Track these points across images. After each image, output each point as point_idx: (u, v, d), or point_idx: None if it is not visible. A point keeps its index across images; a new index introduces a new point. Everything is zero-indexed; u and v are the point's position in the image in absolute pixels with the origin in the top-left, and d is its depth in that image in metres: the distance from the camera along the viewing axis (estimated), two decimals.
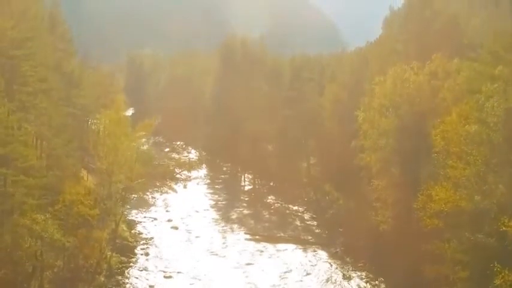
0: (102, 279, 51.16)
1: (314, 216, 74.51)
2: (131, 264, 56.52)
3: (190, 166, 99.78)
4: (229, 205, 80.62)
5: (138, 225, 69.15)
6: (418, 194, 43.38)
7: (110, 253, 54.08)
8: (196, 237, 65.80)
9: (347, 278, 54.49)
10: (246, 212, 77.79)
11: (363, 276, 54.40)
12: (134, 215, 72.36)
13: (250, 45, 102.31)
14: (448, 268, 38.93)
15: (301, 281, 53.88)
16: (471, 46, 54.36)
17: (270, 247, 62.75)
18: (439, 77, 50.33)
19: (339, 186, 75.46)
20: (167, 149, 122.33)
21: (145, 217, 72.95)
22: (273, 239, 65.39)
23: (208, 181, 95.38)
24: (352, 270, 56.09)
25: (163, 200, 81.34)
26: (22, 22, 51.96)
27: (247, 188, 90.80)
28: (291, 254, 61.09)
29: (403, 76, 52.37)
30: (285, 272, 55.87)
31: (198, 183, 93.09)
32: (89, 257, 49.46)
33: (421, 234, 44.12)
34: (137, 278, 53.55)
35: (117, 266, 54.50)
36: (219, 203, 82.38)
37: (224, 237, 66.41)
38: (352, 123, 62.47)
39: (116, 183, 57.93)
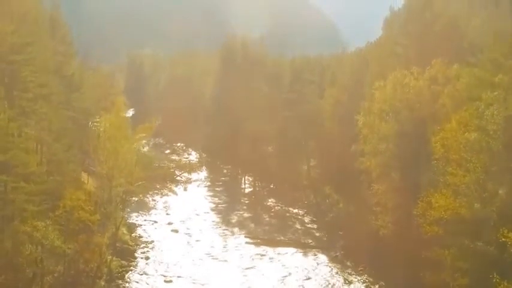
0: (103, 283, 51.21)
1: (314, 219, 74.59)
2: (131, 268, 56.61)
3: (191, 168, 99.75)
4: (229, 208, 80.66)
5: (138, 228, 69.20)
6: (418, 199, 43.50)
7: (110, 257, 54.05)
8: (197, 240, 65.87)
9: (347, 282, 54.60)
10: (246, 215, 77.85)
11: (363, 281, 54.52)
12: (134, 218, 72.42)
13: (251, 46, 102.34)
14: (448, 275, 38.97)
15: (301, 285, 53.92)
16: (471, 49, 54.50)
17: (270, 251, 62.83)
18: (439, 82, 50.37)
19: (338, 188, 75.57)
20: (167, 151, 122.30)
21: (145, 220, 73.02)
22: (273, 243, 65.48)
23: (209, 183, 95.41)
24: (352, 274, 56.22)
25: (164, 203, 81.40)
26: (22, 26, 51.84)
27: (247, 190, 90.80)
28: (291, 257, 61.18)
29: (403, 81, 52.41)
30: (285, 276, 55.96)
31: (198, 186, 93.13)
32: (90, 262, 49.45)
33: (421, 239, 44.16)
34: (137, 282, 53.67)
35: (117, 270, 54.56)
36: (220, 205, 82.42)
37: (224, 241, 66.46)
38: (353, 125, 62.50)
39: (116, 187, 57.90)
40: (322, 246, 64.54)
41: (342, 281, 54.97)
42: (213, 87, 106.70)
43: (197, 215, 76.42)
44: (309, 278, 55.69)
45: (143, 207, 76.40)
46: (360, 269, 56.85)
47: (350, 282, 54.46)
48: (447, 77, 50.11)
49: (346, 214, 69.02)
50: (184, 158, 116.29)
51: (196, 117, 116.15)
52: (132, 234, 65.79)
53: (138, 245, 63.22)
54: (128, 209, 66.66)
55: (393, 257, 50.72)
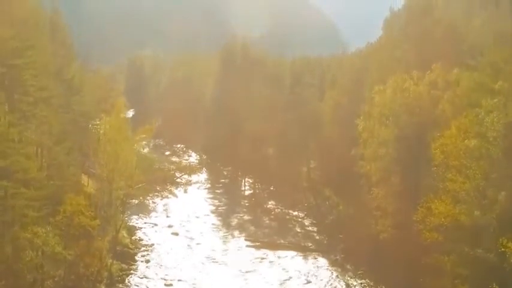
0: (103, 287, 51.30)
1: (314, 222, 74.62)
2: (132, 271, 56.64)
3: (191, 170, 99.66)
4: (229, 210, 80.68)
5: (138, 231, 69.18)
6: (418, 204, 43.48)
7: (110, 260, 54.11)
8: (197, 243, 65.90)
9: (347, 286, 54.64)
10: (246, 217, 77.86)
11: (364, 284, 54.58)
12: (134, 220, 72.39)
13: (251, 47, 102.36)
14: (448, 281, 39.04)
15: None
16: (471, 52, 54.50)
17: (270, 254, 62.88)
18: (439, 87, 50.35)
19: (338, 190, 75.57)
20: (168, 152, 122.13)
21: (145, 223, 72.99)
22: (273, 246, 65.50)
23: (209, 185, 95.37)
24: (352, 278, 56.32)
25: (164, 205, 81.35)
26: (23, 30, 51.86)
27: (247, 192, 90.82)
28: (291, 261, 61.25)
29: (402, 85, 52.43)
30: (286, 280, 56.08)
31: (198, 188, 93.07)
32: (90, 266, 49.52)
33: (421, 244, 44.03)
34: (138, 286, 53.73)
35: (117, 274, 54.61)
36: (220, 208, 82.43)
37: (225, 244, 66.51)
38: (353, 128, 62.44)
39: (116, 190, 57.94)
40: (323, 250, 64.59)
41: (342, 284, 55.00)
42: (213, 88, 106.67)
43: (197, 217, 76.45)
44: (309, 282, 55.78)
45: (143, 210, 76.43)
46: (360, 272, 56.92)
47: (350, 286, 54.50)
48: (447, 81, 50.10)
49: (346, 217, 68.98)
50: (185, 159, 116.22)
51: (197, 118, 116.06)
52: (132, 237, 65.77)
53: (138, 248, 63.24)
54: (128, 212, 66.76)
55: (393, 261, 50.68)
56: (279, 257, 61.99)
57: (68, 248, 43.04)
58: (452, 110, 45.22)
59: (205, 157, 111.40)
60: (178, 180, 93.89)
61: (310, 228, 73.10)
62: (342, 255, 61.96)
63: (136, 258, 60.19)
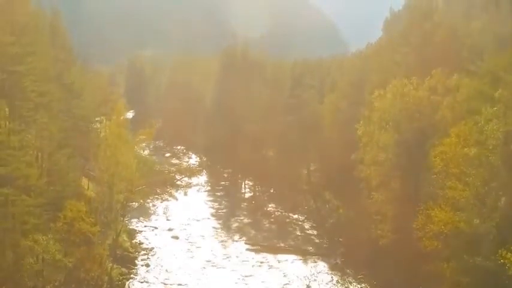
0: None
1: (314, 225, 74.67)
2: (132, 275, 56.74)
3: (191, 172, 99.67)
4: (229, 213, 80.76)
5: (138, 234, 69.28)
6: (417, 210, 43.51)
7: (110, 265, 54.07)
8: (197, 247, 65.96)
9: None
10: (246, 220, 77.93)
11: None
12: (135, 224, 72.44)
13: (251, 50, 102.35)
14: None
15: None
16: (471, 56, 54.46)
17: (270, 258, 62.98)
18: (439, 92, 50.38)
19: (339, 193, 75.65)
20: (168, 154, 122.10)
21: (145, 226, 73.08)
22: (273, 250, 65.62)
23: (209, 188, 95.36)
24: (352, 282, 56.26)
25: (164, 208, 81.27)
26: (23, 36, 51.85)
27: (247, 195, 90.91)
28: (291, 265, 61.35)
29: (402, 90, 52.43)
30: (285, 284, 56.15)
31: (198, 190, 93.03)
32: (90, 271, 49.54)
33: (420, 249, 44.15)
34: None
35: (117, 278, 54.59)
36: (220, 211, 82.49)
37: (225, 248, 66.60)
38: (352, 131, 62.36)
39: (117, 194, 57.98)
40: (322, 253, 64.68)
41: None
42: (214, 90, 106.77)
43: (197, 220, 76.48)
44: (309, 286, 55.74)
45: (143, 213, 76.36)
46: (359, 276, 56.88)
47: None
48: (447, 87, 50.13)
49: (346, 220, 69.01)
50: (185, 161, 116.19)
51: (197, 119, 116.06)
52: (133, 241, 65.87)
53: (138, 251, 63.32)
54: (128, 215, 66.71)
55: (393, 266, 50.79)
56: (279, 261, 62.10)
57: (68, 255, 43.11)
58: (452, 116, 45.29)
59: (205, 159, 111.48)
60: (179, 182, 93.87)
61: (310, 231, 73.15)
62: (342, 259, 62.10)
63: (136, 262, 60.28)
